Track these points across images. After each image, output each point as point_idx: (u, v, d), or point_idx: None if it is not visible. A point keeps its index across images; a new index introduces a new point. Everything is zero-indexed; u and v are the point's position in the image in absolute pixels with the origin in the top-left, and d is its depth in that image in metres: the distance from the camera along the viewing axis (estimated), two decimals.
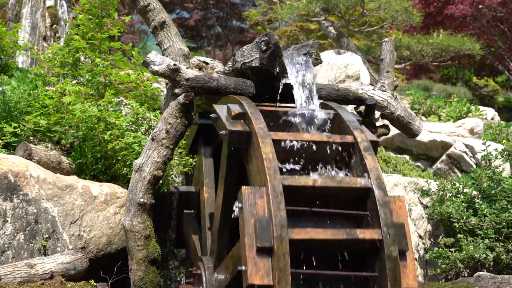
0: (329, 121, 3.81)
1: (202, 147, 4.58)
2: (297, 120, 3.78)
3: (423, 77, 22.22)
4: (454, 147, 8.12)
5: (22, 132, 5.61)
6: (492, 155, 6.40)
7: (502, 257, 5.62)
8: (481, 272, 5.38)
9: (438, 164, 8.17)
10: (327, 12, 14.92)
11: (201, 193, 4.46)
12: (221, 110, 3.77)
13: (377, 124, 5.09)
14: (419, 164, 8.23)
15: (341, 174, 3.52)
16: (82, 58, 6.57)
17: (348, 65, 8.48)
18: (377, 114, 5.08)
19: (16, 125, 5.55)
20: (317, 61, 4.38)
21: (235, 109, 3.62)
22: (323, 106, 3.99)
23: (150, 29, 4.94)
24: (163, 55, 4.77)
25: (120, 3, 6.91)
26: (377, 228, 3.22)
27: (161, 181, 5.13)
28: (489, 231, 5.70)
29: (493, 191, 5.99)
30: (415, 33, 16.93)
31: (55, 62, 6.61)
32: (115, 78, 6.11)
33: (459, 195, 6.14)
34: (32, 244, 4.51)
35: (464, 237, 5.78)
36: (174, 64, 4.28)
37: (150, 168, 4.39)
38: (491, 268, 5.77)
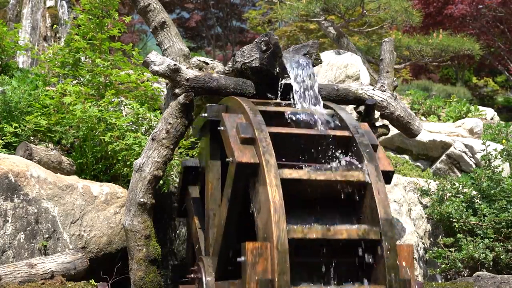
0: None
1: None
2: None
3: (422, 77, 22.23)
4: (454, 147, 8.12)
5: (22, 132, 5.62)
6: (491, 155, 6.41)
7: (501, 256, 5.63)
8: (480, 272, 5.39)
9: (437, 164, 8.18)
10: (327, 12, 14.93)
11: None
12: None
13: (377, 124, 5.10)
14: (418, 164, 8.24)
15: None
16: (82, 58, 6.58)
17: (348, 65, 8.48)
18: (377, 114, 5.10)
19: (16, 125, 5.56)
20: (317, 61, 4.40)
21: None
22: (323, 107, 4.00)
23: (151, 29, 4.95)
24: (163, 55, 4.77)
25: (120, 3, 6.92)
26: None
27: (161, 181, 5.14)
28: (489, 231, 5.71)
29: (492, 191, 6.00)
30: (415, 33, 16.91)
31: (56, 62, 6.63)
32: (116, 78, 6.12)
33: (458, 195, 6.15)
34: (33, 244, 4.52)
35: (464, 237, 5.79)
36: (174, 64, 4.29)
37: (150, 168, 4.40)
38: (490, 268, 5.77)
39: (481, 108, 11.94)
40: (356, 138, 3.58)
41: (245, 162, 3.36)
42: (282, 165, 3.45)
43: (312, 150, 3.69)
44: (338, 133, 3.69)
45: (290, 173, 3.40)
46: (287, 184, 3.30)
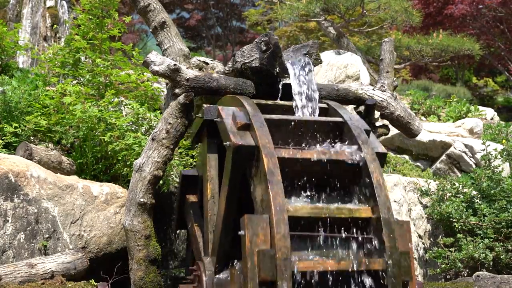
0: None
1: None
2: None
3: (422, 77, 22.24)
4: (454, 147, 8.13)
5: (22, 132, 5.62)
6: (491, 155, 6.41)
7: (501, 256, 5.63)
8: (480, 272, 5.39)
9: (437, 164, 8.18)
10: (327, 12, 14.93)
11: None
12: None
13: (377, 124, 5.10)
14: (418, 164, 8.24)
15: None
16: (82, 58, 6.58)
17: (348, 65, 8.49)
18: (377, 114, 5.10)
19: (16, 125, 5.56)
20: (317, 61, 4.39)
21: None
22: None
23: (151, 29, 4.95)
24: (164, 55, 4.78)
25: (120, 3, 6.92)
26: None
27: (161, 181, 5.14)
28: (489, 231, 5.71)
29: (492, 191, 6.00)
30: (415, 33, 16.92)
31: (56, 62, 6.63)
32: (116, 78, 6.12)
33: (458, 195, 6.15)
34: (33, 244, 4.52)
35: (464, 236, 5.79)
36: (174, 64, 4.29)
37: (150, 168, 4.40)
38: (490, 268, 5.78)
39: (481, 108, 11.95)
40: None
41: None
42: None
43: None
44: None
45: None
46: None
